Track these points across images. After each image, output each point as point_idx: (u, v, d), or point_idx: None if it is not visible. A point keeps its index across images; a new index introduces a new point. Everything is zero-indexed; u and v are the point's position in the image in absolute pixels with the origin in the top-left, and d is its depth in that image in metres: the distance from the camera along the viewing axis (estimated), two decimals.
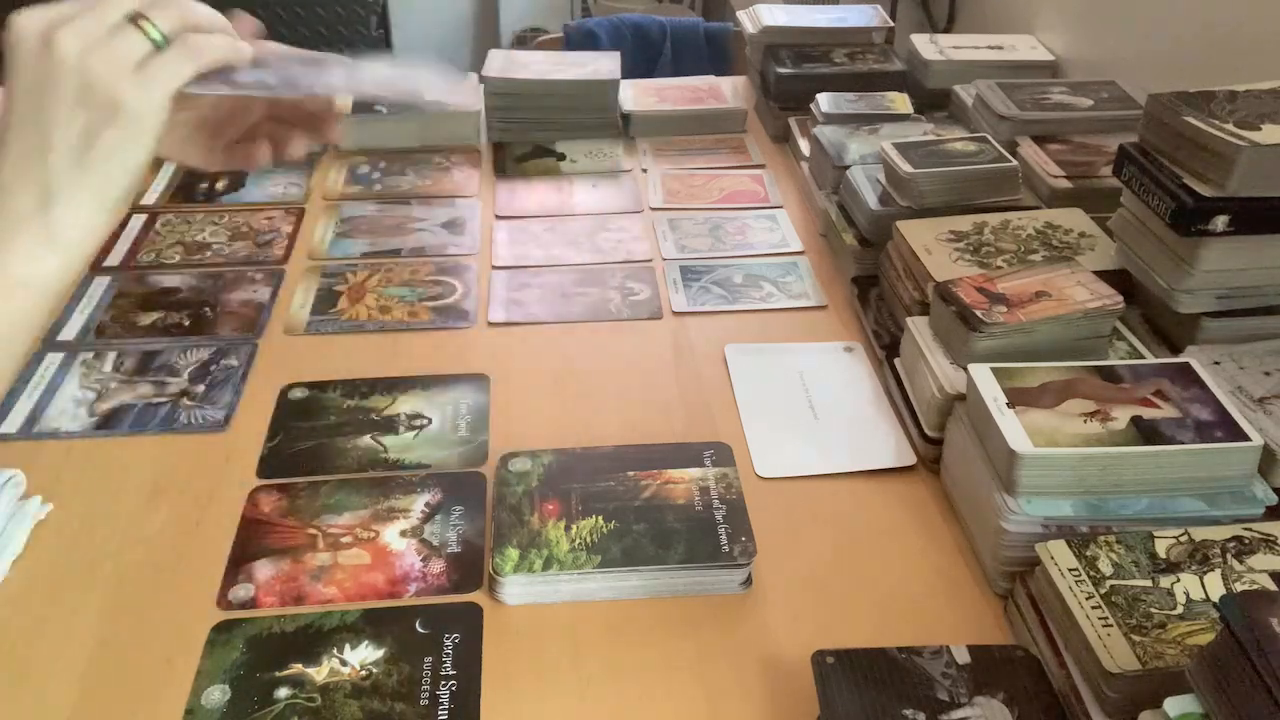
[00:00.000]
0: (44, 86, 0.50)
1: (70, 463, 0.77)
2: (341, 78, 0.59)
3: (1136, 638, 0.54)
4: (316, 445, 0.78)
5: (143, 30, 0.51)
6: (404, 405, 0.82)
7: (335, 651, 0.62)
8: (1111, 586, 0.57)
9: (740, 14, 1.46)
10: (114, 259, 1.03)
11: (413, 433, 0.79)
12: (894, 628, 0.64)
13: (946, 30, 1.64)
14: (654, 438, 0.78)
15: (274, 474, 0.76)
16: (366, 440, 0.78)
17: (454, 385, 0.84)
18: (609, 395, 0.85)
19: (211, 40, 0.54)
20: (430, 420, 0.80)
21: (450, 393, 0.83)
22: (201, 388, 0.85)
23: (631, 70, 1.39)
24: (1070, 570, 0.58)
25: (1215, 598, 0.56)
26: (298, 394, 0.83)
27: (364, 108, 1.27)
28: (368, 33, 2.59)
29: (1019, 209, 0.94)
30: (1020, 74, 1.22)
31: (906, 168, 0.94)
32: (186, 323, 0.93)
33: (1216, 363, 0.74)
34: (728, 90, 1.39)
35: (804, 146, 1.19)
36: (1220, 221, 0.73)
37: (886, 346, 0.87)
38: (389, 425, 0.80)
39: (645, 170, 1.23)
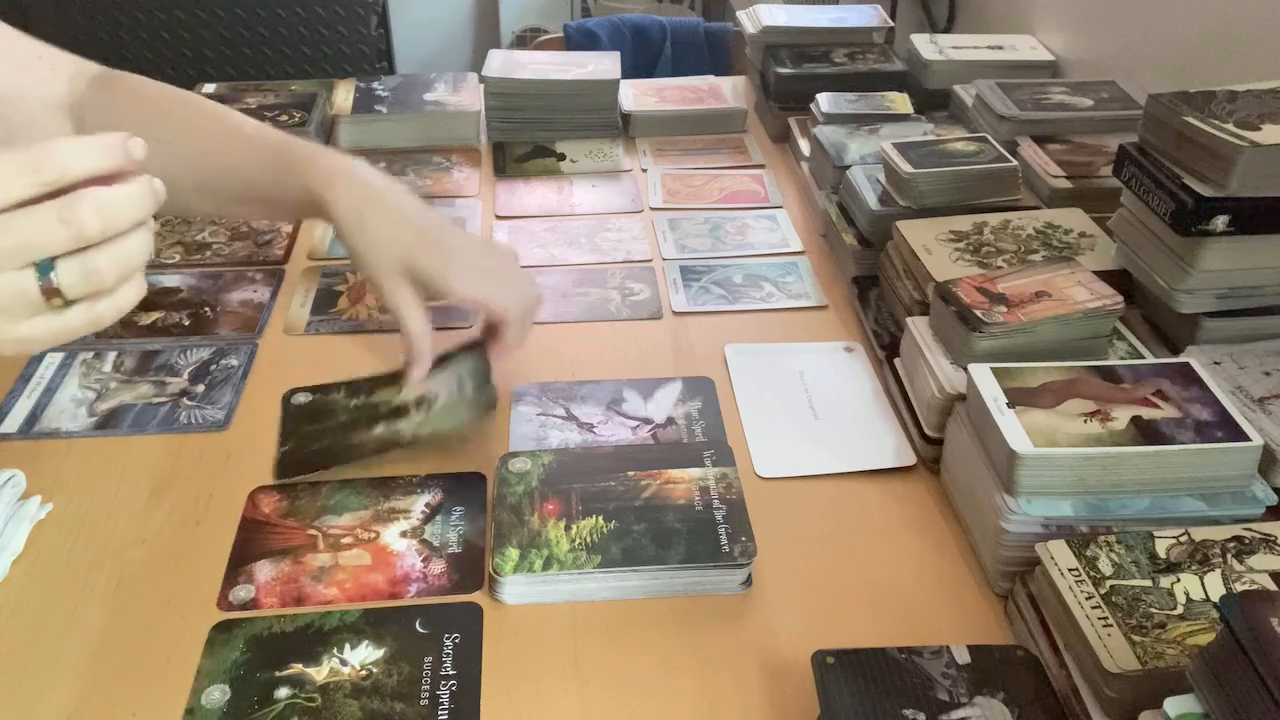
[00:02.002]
0: None
1: (70, 463, 0.77)
2: None
3: (1136, 638, 0.54)
4: (331, 444, 0.78)
5: (48, 289, 0.48)
6: (409, 392, 0.80)
7: (335, 651, 0.62)
8: (1111, 586, 0.57)
9: (740, 14, 1.46)
10: None
11: (421, 415, 0.78)
12: (894, 628, 0.64)
13: (946, 30, 1.64)
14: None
15: (291, 475, 0.75)
16: (380, 429, 0.78)
17: (452, 360, 0.82)
18: None
19: (115, 304, 0.51)
20: (438, 394, 0.79)
21: (451, 368, 0.81)
22: (201, 388, 0.85)
23: (631, 70, 1.39)
24: (1070, 570, 0.58)
25: (1215, 598, 0.56)
26: (301, 399, 0.82)
27: (364, 107, 1.27)
28: (368, 33, 2.59)
29: (1019, 209, 0.94)
30: (1020, 74, 1.22)
31: (906, 168, 0.94)
32: (186, 322, 0.93)
33: (1216, 363, 0.74)
34: (728, 90, 1.39)
35: (804, 146, 1.19)
36: (1220, 221, 0.73)
37: (886, 346, 0.87)
38: (400, 412, 0.78)
39: (645, 170, 1.23)
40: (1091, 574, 0.57)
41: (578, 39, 2.15)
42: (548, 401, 0.83)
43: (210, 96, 1.25)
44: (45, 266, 0.48)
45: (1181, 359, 0.72)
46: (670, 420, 0.81)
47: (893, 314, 0.90)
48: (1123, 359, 0.76)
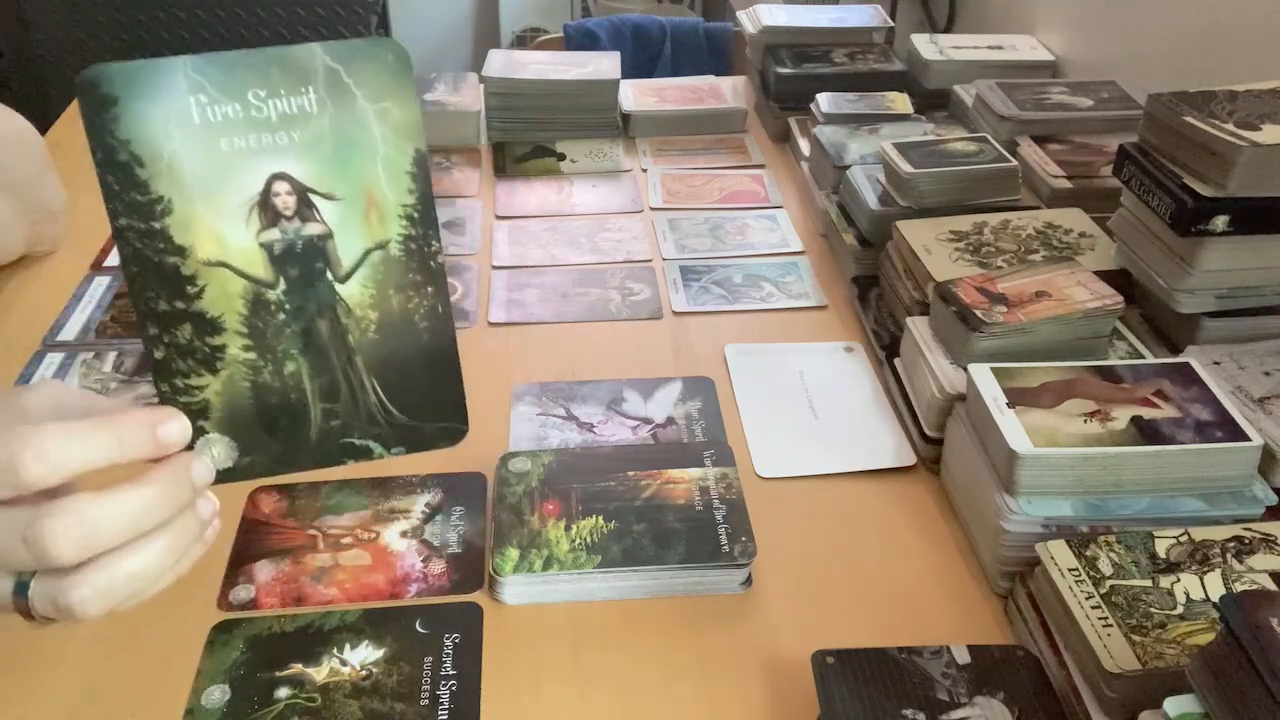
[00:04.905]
0: None
1: None
2: None
3: (1136, 638, 0.54)
4: None
5: (21, 608, 0.41)
6: None
7: (335, 651, 0.62)
8: (1111, 586, 0.57)
9: (740, 14, 1.46)
10: (114, 259, 1.03)
11: None
12: (894, 628, 0.64)
13: (946, 30, 1.64)
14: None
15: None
16: None
17: None
18: None
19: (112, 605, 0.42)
20: None
21: None
22: None
23: (631, 70, 1.39)
24: (1070, 570, 0.58)
25: (1215, 598, 0.56)
26: None
27: None
28: (368, 33, 2.59)
29: (1019, 209, 0.94)
30: (1020, 74, 1.22)
31: (906, 168, 0.94)
32: None
33: (1216, 363, 0.74)
34: (728, 90, 1.39)
35: (804, 146, 1.19)
36: (1220, 221, 0.73)
37: (886, 346, 0.87)
38: None
39: (645, 170, 1.23)
40: (1091, 574, 0.57)
41: (578, 39, 2.15)
42: (548, 401, 0.83)
43: None
44: (22, 585, 0.41)
45: (1181, 359, 0.72)
46: (670, 420, 0.81)
47: (893, 314, 0.90)
48: (1123, 359, 0.76)
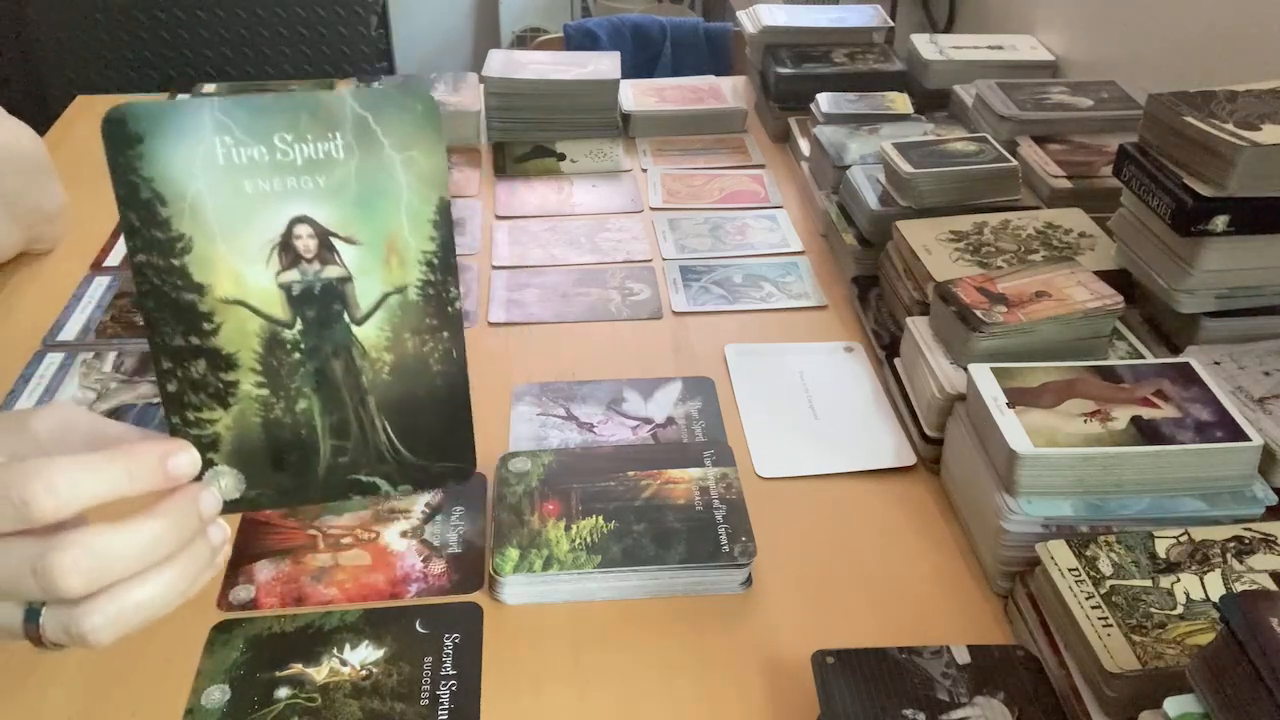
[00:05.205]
0: None
1: None
2: None
3: (1136, 638, 0.54)
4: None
5: (32, 635, 0.41)
6: None
7: (335, 651, 0.62)
8: (1111, 586, 0.57)
9: (740, 14, 1.46)
10: (114, 259, 1.03)
11: None
12: (894, 628, 0.64)
13: (946, 30, 1.64)
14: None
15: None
16: None
17: None
18: None
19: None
20: None
21: None
22: None
23: (631, 70, 1.39)
24: (1070, 570, 0.58)
25: (1215, 598, 0.56)
26: None
27: None
28: (368, 32, 2.59)
29: (1019, 209, 0.94)
30: (1020, 74, 1.22)
31: (906, 168, 0.94)
32: None
33: (1216, 363, 0.74)
34: (728, 90, 1.39)
35: (804, 146, 1.19)
36: (1220, 221, 0.73)
37: (886, 346, 0.87)
38: None
39: (645, 170, 1.23)
40: (1091, 574, 0.57)
41: (578, 39, 2.15)
42: (548, 401, 0.83)
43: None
44: (33, 612, 0.41)
45: (1181, 359, 0.72)
46: (670, 420, 0.81)
47: (893, 314, 0.90)
48: (1123, 359, 0.76)
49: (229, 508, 0.47)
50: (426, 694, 0.59)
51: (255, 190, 0.44)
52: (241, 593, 0.66)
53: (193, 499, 0.43)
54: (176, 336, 0.45)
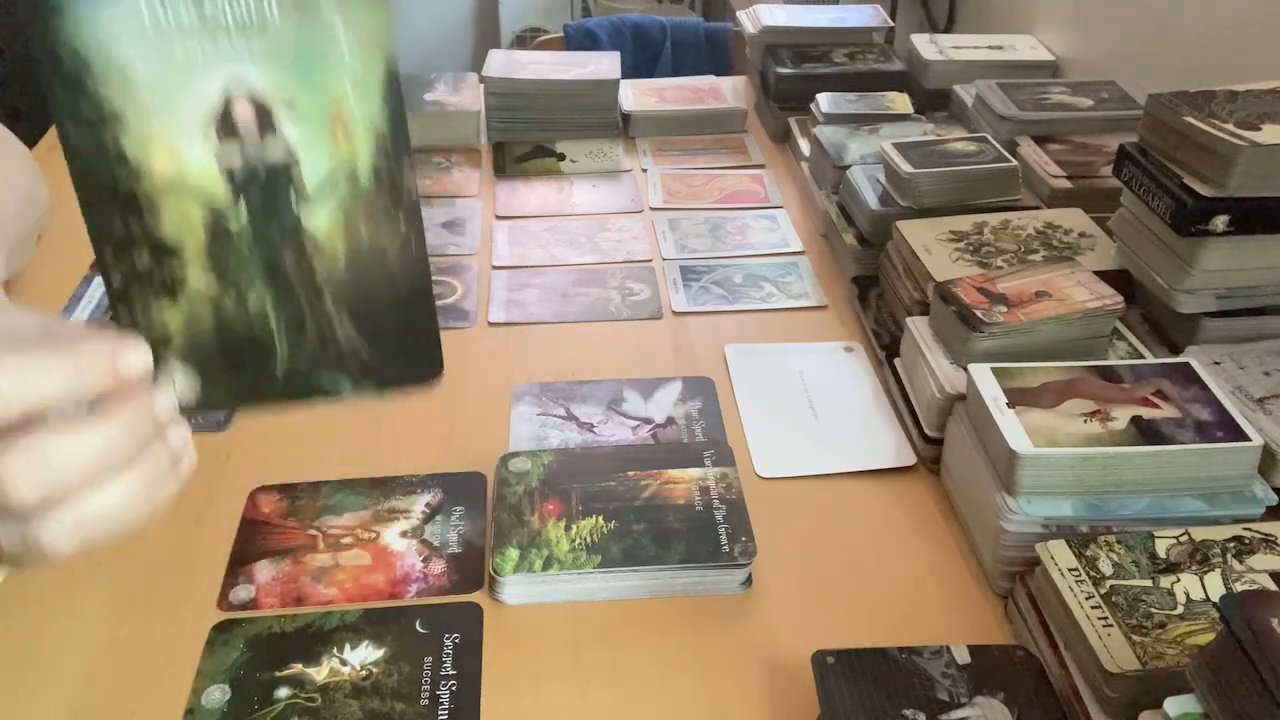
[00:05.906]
0: None
1: None
2: None
3: (1136, 638, 0.54)
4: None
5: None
6: None
7: (335, 651, 0.62)
8: (1111, 586, 0.57)
9: (740, 14, 1.46)
10: None
11: None
12: (894, 628, 0.64)
13: (946, 30, 1.64)
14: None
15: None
16: None
17: None
18: None
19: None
20: None
21: None
22: None
23: (631, 70, 1.39)
24: (1070, 570, 0.58)
25: (1215, 598, 0.56)
26: None
27: None
28: None
29: (1019, 209, 0.94)
30: (1020, 74, 1.22)
31: (906, 168, 0.94)
32: None
33: (1216, 363, 0.74)
34: (728, 90, 1.39)
35: (804, 146, 1.19)
36: (1220, 221, 0.73)
37: (886, 346, 0.87)
38: None
39: (645, 170, 1.23)
40: (1091, 574, 0.57)
41: (578, 39, 2.15)
42: (548, 401, 0.83)
43: None
44: None
45: (1181, 359, 0.72)
46: (670, 420, 0.81)
47: (893, 314, 0.90)
48: (1123, 359, 0.76)
49: (185, 409, 0.44)
50: (426, 694, 0.59)
51: (186, 55, 0.41)
52: (241, 593, 0.66)
53: (146, 398, 0.41)
54: (116, 223, 0.43)
